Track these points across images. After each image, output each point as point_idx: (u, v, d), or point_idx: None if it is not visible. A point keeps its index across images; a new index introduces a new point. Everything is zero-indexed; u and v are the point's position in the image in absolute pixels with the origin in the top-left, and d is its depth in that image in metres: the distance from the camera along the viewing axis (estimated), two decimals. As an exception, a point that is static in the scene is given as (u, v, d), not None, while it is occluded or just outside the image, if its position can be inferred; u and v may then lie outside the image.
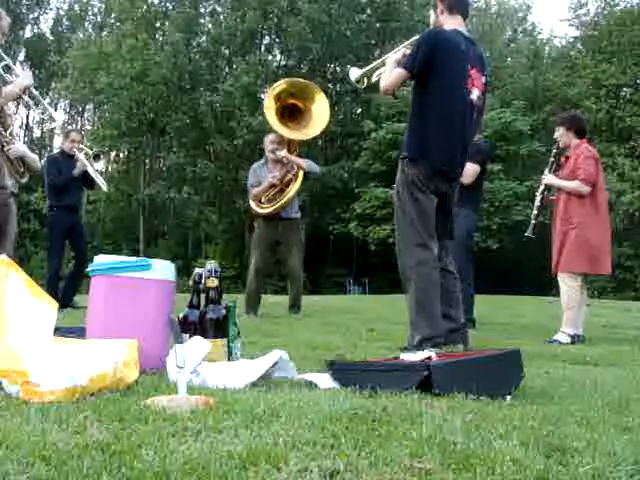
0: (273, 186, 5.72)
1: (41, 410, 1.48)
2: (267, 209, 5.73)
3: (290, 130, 5.72)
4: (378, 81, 3.65)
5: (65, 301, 5.92)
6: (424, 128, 3.36)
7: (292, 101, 5.83)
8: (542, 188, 4.73)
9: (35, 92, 3.94)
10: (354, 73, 3.99)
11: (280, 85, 5.92)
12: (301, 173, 5.69)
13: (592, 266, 4.44)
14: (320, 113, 5.85)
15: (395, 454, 1.22)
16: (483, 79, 3.45)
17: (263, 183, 5.74)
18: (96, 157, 6.33)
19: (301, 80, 6.26)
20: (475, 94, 3.38)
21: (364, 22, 27.90)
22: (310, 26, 25.63)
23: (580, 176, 4.40)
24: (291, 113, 5.82)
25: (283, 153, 5.67)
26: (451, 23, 3.42)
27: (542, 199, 4.76)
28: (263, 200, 5.76)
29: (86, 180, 6.27)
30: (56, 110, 36.28)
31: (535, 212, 4.82)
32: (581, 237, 4.40)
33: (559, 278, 4.50)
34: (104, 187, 6.40)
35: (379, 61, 3.80)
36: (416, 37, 3.56)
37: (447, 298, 3.42)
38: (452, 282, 3.48)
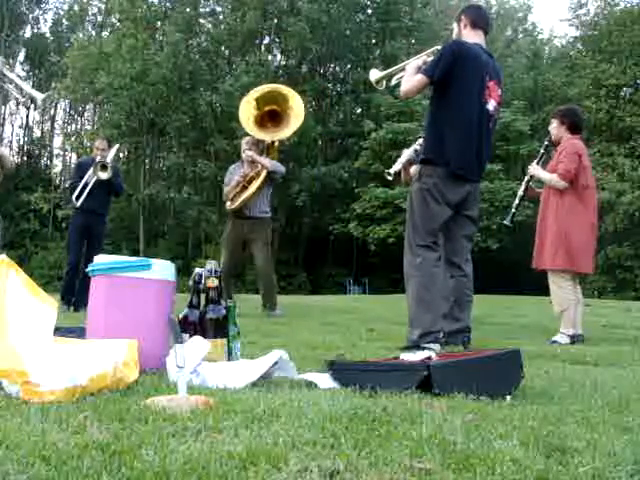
0: (239, 184, 5.89)
1: (41, 410, 1.48)
2: (231, 206, 5.91)
3: (264, 132, 5.91)
4: (397, 84, 3.76)
5: (79, 304, 6.00)
6: (442, 135, 3.49)
7: (271, 107, 6.00)
8: (527, 178, 4.69)
9: (10, 74, 3.86)
10: (374, 74, 4.15)
11: (256, 93, 6.11)
12: (264, 172, 5.82)
13: (571, 263, 4.37)
14: (295, 114, 6.00)
15: (395, 454, 1.22)
16: (499, 91, 3.59)
17: (232, 182, 5.95)
18: (103, 167, 6.38)
19: (272, 86, 6.46)
20: (492, 105, 3.53)
21: (364, 22, 27.93)
22: (310, 26, 25.65)
23: (558, 170, 4.38)
24: (272, 117, 6.00)
25: (249, 153, 5.88)
26: (473, 37, 3.57)
27: (525, 189, 4.72)
28: (232, 198, 5.93)
29: (110, 186, 6.48)
30: (56, 109, 36.36)
31: (516, 201, 4.77)
32: (560, 233, 4.35)
33: (549, 279, 4.47)
34: (77, 203, 6.32)
35: (400, 65, 3.94)
36: (438, 46, 3.72)
37: (457, 299, 3.48)
38: (464, 284, 3.55)
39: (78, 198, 6.33)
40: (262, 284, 6.04)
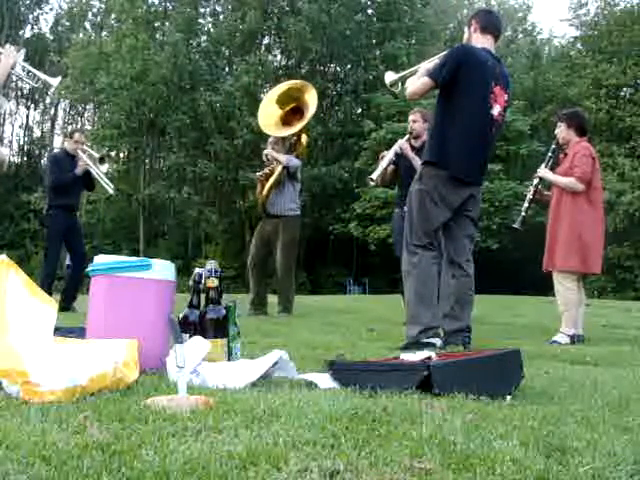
0: (260, 182, 6.00)
1: (41, 410, 1.48)
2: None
3: (279, 129, 5.95)
4: None
5: (66, 304, 5.95)
6: (445, 138, 3.52)
7: (292, 104, 6.02)
8: (536, 181, 4.71)
9: (25, 64, 3.87)
10: (389, 77, 4.23)
11: (274, 95, 6.18)
12: (279, 168, 5.85)
13: (583, 264, 4.39)
14: (309, 106, 6.01)
15: (395, 454, 1.22)
16: (505, 97, 3.61)
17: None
18: (101, 160, 6.36)
19: (288, 84, 6.46)
20: (496, 110, 3.54)
21: (364, 22, 27.91)
22: (310, 26, 25.64)
23: (576, 173, 4.39)
24: (295, 113, 6.00)
25: (266, 150, 5.96)
26: (482, 42, 3.60)
27: (534, 192, 4.74)
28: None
29: (87, 181, 6.28)
30: (56, 110, 36.37)
31: (526, 204, 4.77)
32: (573, 235, 4.37)
33: (554, 279, 4.48)
34: (110, 190, 6.38)
35: (413, 68, 4.00)
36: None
37: (458, 299, 3.51)
38: (466, 284, 3.57)
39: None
40: (278, 286, 6.02)
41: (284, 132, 5.94)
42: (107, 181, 6.30)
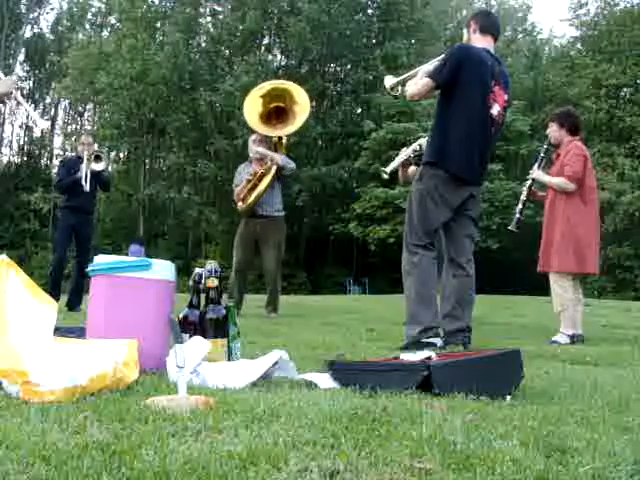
0: (249, 182, 5.76)
1: (41, 410, 1.48)
2: (243, 206, 5.78)
3: (271, 129, 5.83)
4: None
5: (73, 305, 5.98)
6: (445, 137, 3.54)
7: (277, 104, 5.94)
8: (529, 183, 4.70)
9: (20, 98, 3.84)
10: (389, 81, 4.22)
11: (260, 90, 6.11)
12: (274, 168, 5.70)
13: (579, 265, 4.38)
14: (301, 108, 5.93)
15: (395, 454, 1.22)
16: (505, 96, 3.63)
17: (242, 182, 5.82)
18: (97, 158, 6.34)
19: (276, 83, 6.47)
20: (496, 109, 3.56)
21: (364, 22, 27.90)
22: (310, 26, 25.62)
23: (566, 172, 4.38)
24: (278, 114, 5.93)
25: (258, 148, 5.77)
26: (481, 42, 3.63)
27: (528, 194, 4.73)
28: (243, 197, 5.81)
29: (98, 182, 6.36)
30: (56, 110, 36.36)
31: (520, 206, 4.76)
32: (568, 235, 4.35)
33: (550, 279, 4.47)
34: (86, 187, 6.19)
35: (413, 71, 4.00)
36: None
37: (458, 299, 3.52)
38: (466, 284, 3.59)
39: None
40: (268, 287, 5.95)
41: (281, 131, 5.83)
42: (87, 181, 6.18)
